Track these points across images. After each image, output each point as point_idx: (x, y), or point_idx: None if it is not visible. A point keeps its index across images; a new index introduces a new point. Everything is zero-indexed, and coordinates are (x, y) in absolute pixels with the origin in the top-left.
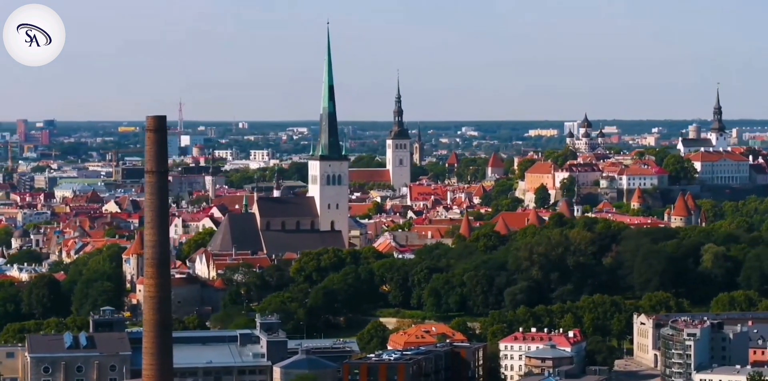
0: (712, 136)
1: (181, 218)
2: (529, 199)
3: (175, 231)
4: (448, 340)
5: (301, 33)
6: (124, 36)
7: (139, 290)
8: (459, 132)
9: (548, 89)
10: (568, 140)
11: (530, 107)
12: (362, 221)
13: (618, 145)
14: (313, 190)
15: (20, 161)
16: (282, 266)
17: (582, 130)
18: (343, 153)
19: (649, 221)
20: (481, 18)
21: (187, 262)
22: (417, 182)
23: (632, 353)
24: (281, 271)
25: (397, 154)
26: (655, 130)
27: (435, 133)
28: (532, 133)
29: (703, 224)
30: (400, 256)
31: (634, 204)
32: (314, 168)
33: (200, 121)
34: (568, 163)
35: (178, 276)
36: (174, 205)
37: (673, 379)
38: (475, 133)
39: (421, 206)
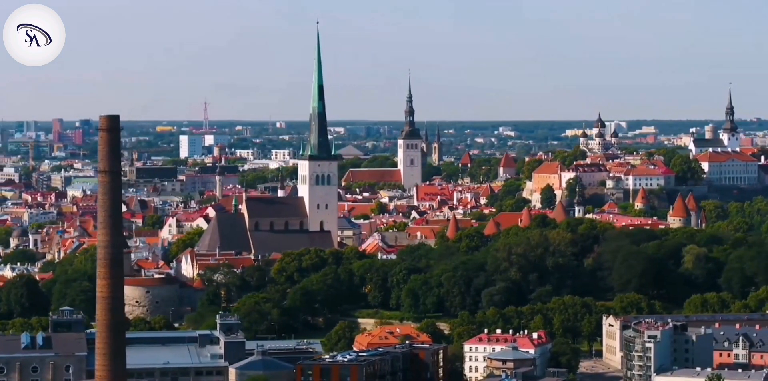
0: (724, 137)
1: (175, 218)
2: (536, 200)
3: (169, 231)
4: (407, 341)
5: (329, 32)
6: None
7: None
8: (496, 132)
9: (585, 89)
10: (581, 140)
11: (567, 107)
12: (361, 221)
13: (653, 145)
14: (302, 190)
15: (46, 161)
16: (263, 267)
17: (595, 130)
18: (333, 153)
19: (649, 222)
20: (518, 18)
21: (174, 262)
22: (429, 182)
23: (602, 355)
24: (262, 272)
25: (408, 154)
26: (693, 130)
27: (471, 133)
28: (569, 133)
29: (703, 225)
30: (385, 256)
31: (638, 204)
32: (303, 168)
33: (237, 121)
34: (575, 163)
35: (157, 276)
36: (182, 205)
37: None
38: (512, 133)
39: (427, 206)
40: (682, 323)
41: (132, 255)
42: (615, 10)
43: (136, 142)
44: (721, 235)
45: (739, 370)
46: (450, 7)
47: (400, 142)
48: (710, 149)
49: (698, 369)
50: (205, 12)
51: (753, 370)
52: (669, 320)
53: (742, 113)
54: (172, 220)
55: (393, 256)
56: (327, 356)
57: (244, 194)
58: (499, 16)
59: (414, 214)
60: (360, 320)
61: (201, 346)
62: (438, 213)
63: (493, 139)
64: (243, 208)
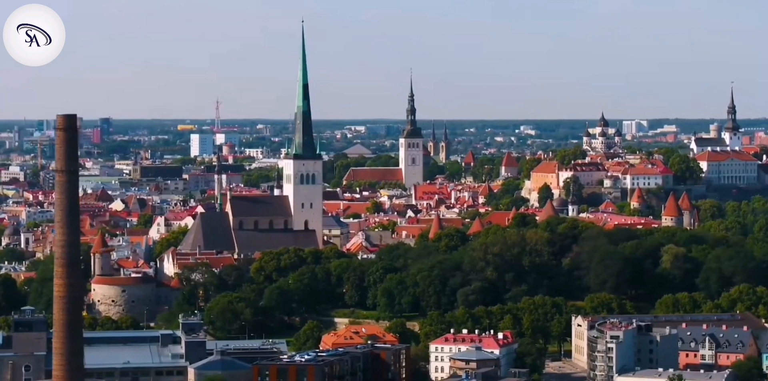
0: (726, 136)
1: (163, 217)
2: (535, 199)
3: (158, 230)
4: (369, 342)
5: (357, 30)
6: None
7: (94, 289)
8: (516, 131)
9: (608, 87)
10: (585, 139)
11: (590, 106)
12: (350, 221)
13: (672, 144)
14: (287, 190)
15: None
16: (241, 266)
17: (598, 129)
18: (318, 152)
19: (642, 221)
20: (555, 16)
21: (157, 261)
22: (431, 181)
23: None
24: (239, 271)
25: (410, 153)
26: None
27: (492, 131)
28: (591, 131)
29: (697, 225)
30: (366, 256)
31: (634, 204)
32: (288, 167)
33: (259, 120)
34: (573, 162)
35: (133, 275)
36: (180, 204)
37: None
38: (532, 132)
39: (425, 206)
40: (646, 324)
41: (114, 254)
42: (637, 6)
43: (155, 140)
44: (702, 235)
45: (701, 371)
46: (474, 4)
47: (402, 140)
48: (709, 148)
49: (660, 370)
50: (223, 8)
51: (715, 371)
52: (633, 320)
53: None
54: (160, 219)
55: (373, 256)
56: (285, 356)
57: (228, 193)
58: (526, 15)
59: (410, 213)
60: (336, 320)
61: (163, 346)
62: (433, 212)
63: (512, 138)
64: (228, 207)
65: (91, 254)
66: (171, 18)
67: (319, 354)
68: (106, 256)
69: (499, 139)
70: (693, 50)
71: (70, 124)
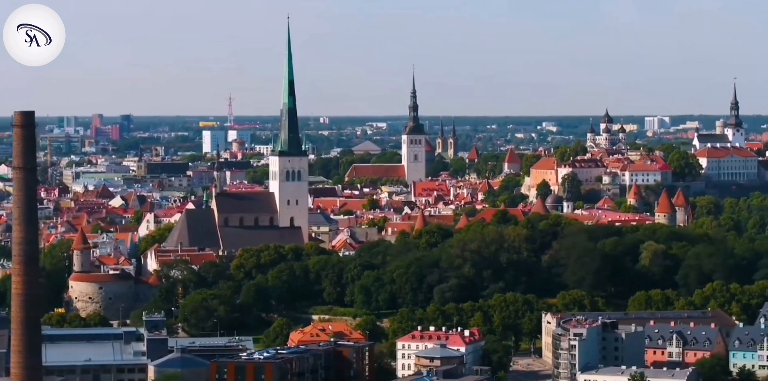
0: (729, 132)
1: (153, 214)
2: (534, 195)
3: (147, 227)
4: (332, 339)
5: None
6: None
7: (72, 286)
8: (539, 127)
9: (630, 85)
10: (588, 136)
11: (614, 102)
12: (341, 217)
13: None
14: (273, 186)
15: (72, 156)
16: (220, 263)
17: (603, 126)
18: (303, 149)
19: (636, 218)
20: (578, 14)
21: (141, 258)
22: (432, 178)
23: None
24: (218, 268)
25: (412, 150)
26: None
27: (513, 127)
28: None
29: (690, 221)
30: (348, 253)
31: (630, 200)
32: (274, 164)
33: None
34: (572, 158)
35: (111, 272)
36: (180, 201)
37: (560, 379)
38: (554, 129)
39: (423, 202)
40: (612, 321)
41: (97, 250)
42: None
43: (174, 137)
44: (683, 232)
45: (664, 369)
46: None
47: (404, 137)
48: (708, 144)
49: (624, 367)
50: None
51: (678, 369)
52: (600, 318)
53: None
54: (150, 216)
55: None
56: (244, 354)
57: (213, 190)
58: (549, 13)
59: (406, 209)
60: (314, 317)
61: (126, 344)
62: (431, 208)
63: (533, 134)
64: (213, 203)
65: (71, 251)
66: (172, 17)
67: (279, 351)
68: (86, 253)
69: (519, 135)
70: (704, 49)
71: (27, 121)
